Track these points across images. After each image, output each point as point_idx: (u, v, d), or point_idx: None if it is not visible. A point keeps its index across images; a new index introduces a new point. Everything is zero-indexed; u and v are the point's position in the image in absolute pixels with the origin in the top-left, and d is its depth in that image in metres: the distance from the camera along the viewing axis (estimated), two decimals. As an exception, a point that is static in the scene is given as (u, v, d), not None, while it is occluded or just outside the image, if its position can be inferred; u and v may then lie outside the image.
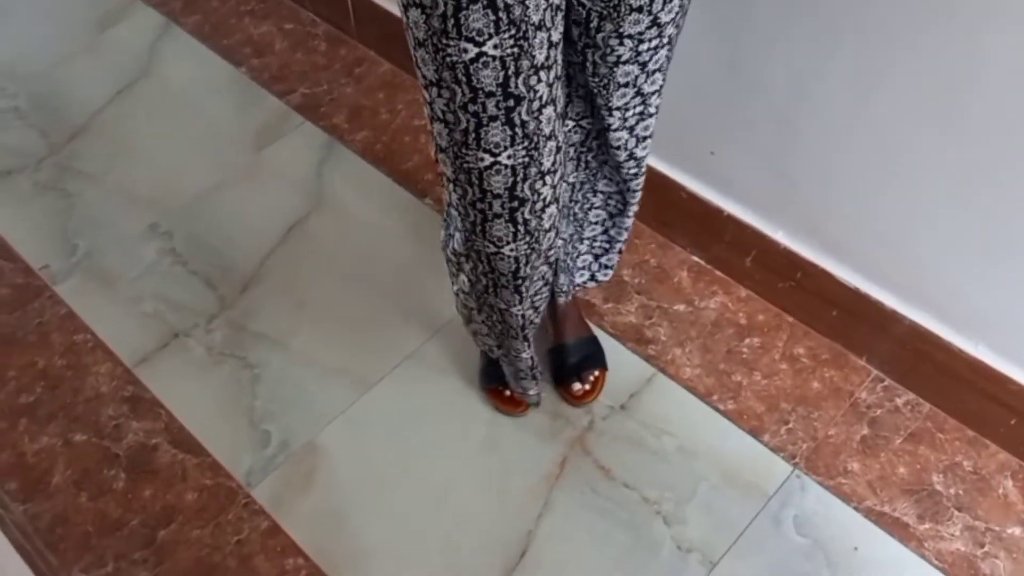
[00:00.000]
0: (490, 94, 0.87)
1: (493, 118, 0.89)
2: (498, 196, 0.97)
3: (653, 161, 1.57)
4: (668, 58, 1.05)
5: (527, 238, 1.03)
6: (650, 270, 1.62)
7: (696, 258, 1.64)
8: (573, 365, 1.45)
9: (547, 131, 0.95)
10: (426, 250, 1.66)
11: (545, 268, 1.12)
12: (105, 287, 1.63)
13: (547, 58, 0.90)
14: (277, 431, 1.45)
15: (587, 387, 1.45)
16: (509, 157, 0.93)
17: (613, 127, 1.11)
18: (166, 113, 1.91)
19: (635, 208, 1.31)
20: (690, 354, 1.52)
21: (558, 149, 0.98)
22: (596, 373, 1.46)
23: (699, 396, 1.47)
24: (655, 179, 1.58)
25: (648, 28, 0.98)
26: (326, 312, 1.59)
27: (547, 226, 1.04)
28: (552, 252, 1.11)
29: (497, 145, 0.92)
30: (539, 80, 0.90)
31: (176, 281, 1.63)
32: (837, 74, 1.22)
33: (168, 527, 1.35)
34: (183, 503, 1.38)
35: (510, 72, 0.87)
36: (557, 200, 1.03)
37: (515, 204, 0.99)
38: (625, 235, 1.36)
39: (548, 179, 0.99)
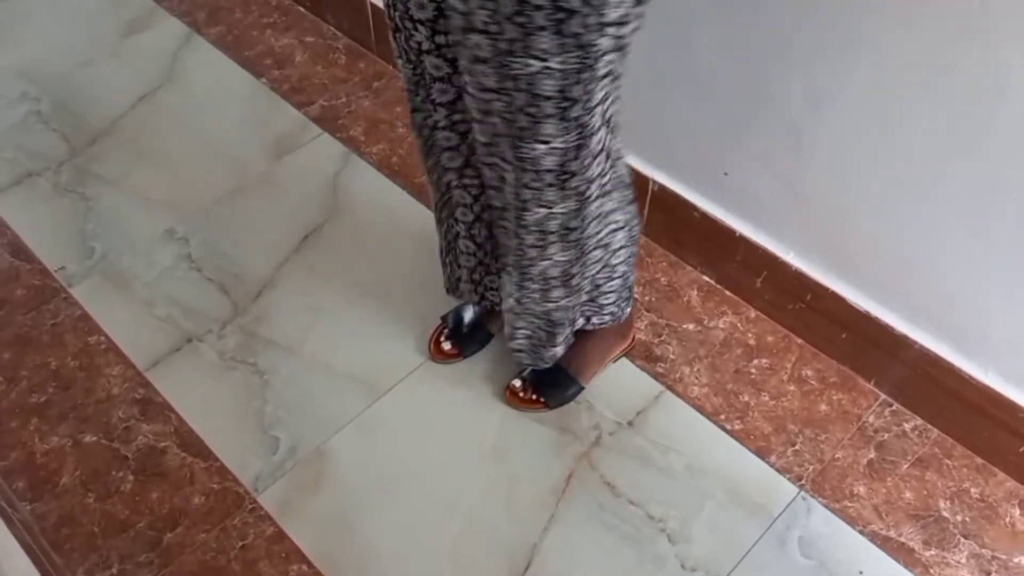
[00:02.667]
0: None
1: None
2: None
3: (666, 180, 1.58)
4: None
5: None
6: (661, 288, 1.63)
7: (707, 277, 1.64)
8: (537, 374, 1.46)
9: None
10: (439, 263, 1.67)
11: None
12: (120, 290, 1.65)
13: None
14: (286, 437, 1.45)
15: (517, 393, 1.46)
16: None
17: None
18: (186, 121, 1.93)
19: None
20: (698, 373, 1.52)
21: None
22: (536, 396, 1.46)
23: (707, 415, 1.48)
24: (668, 198, 1.59)
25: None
26: (338, 320, 1.60)
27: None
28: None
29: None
30: None
31: (191, 286, 1.65)
32: (855, 95, 1.23)
33: (174, 530, 1.36)
34: (190, 506, 1.38)
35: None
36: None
37: None
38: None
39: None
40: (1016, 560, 1.33)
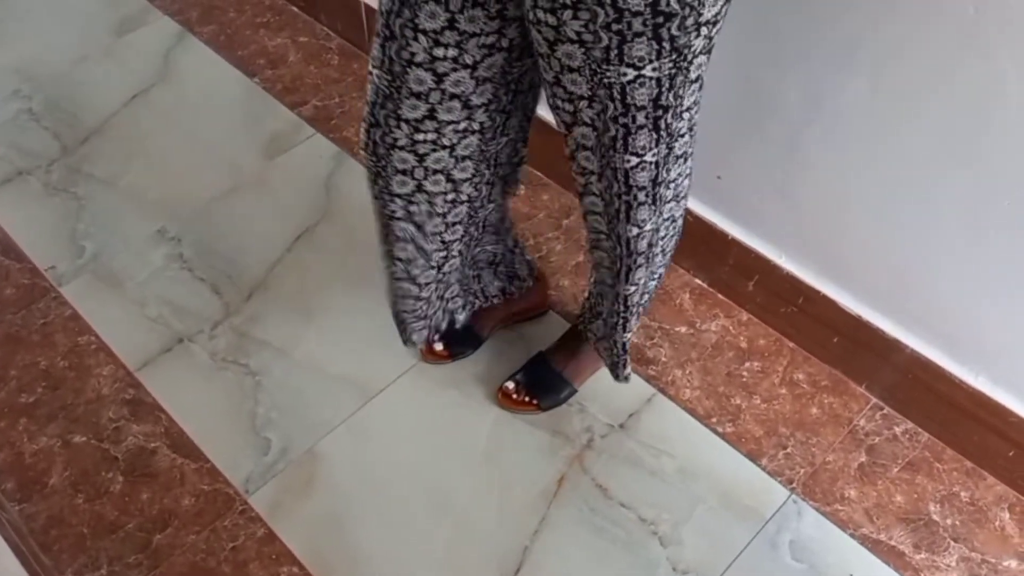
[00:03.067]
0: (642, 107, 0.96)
1: None
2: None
3: (659, 183, 1.58)
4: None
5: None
6: (653, 291, 1.63)
7: (699, 280, 1.65)
8: (530, 376, 1.46)
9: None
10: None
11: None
12: (111, 290, 1.64)
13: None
14: (277, 438, 1.45)
15: (510, 395, 1.46)
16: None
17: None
18: (179, 120, 1.92)
19: None
20: (690, 376, 1.53)
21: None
22: (529, 398, 1.46)
23: (698, 418, 1.48)
24: (661, 201, 1.59)
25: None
26: (331, 321, 1.60)
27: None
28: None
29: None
30: None
31: (182, 286, 1.64)
32: (851, 101, 1.24)
33: (164, 531, 1.35)
34: (180, 508, 1.38)
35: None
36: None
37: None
38: None
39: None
40: (1005, 563, 1.33)
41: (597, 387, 1.50)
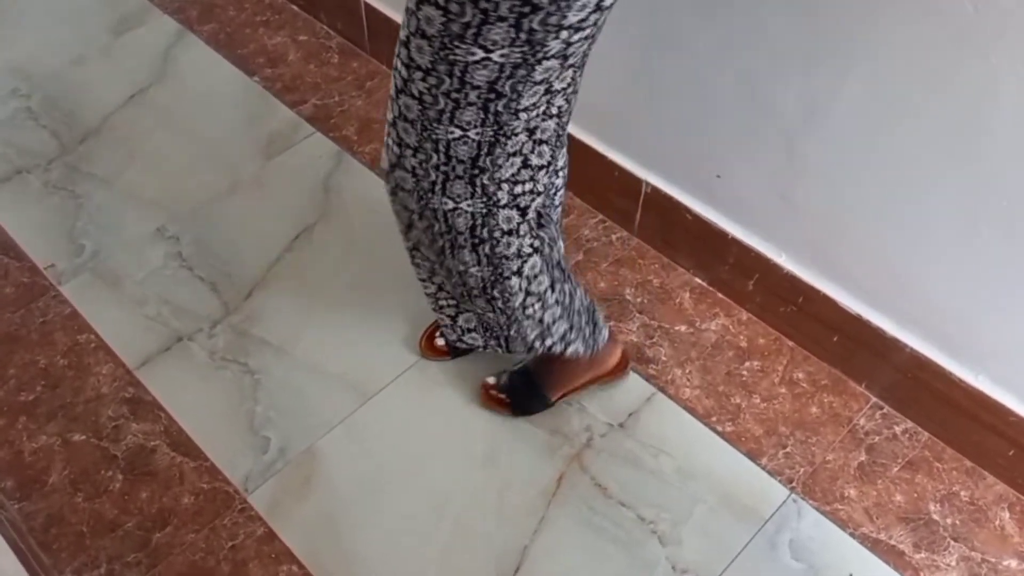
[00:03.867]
0: (477, 87, 0.95)
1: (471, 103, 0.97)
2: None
3: (659, 182, 1.58)
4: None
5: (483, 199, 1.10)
6: (653, 290, 1.63)
7: (699, 280, 1.64)
8: (511, 379, 1.46)
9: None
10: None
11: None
12: (110, 288, 1.64)
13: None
14: (276, 437, 1.45)
15: (489, 390, 1.46)
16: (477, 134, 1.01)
17: None
18: (178, 119, 1.92)
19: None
20: (690, 375, 1.52)
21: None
22: (504, 397, 1.46)
23: (698, 417, 1.48)
24: (661, 200, 1.59)
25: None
26: (330, 320, 1.59)
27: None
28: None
29: (469, 123, 1.00)
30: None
31: (181, 285, 1.64)
32: (849, 100, 1.24)
33: (163, 530, 1.35)
34: (179, 506, 1.38)
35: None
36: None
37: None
38: None
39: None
40: (1006, 563, 1.33)
41: (596, 386, 1.49)
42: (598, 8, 0.90)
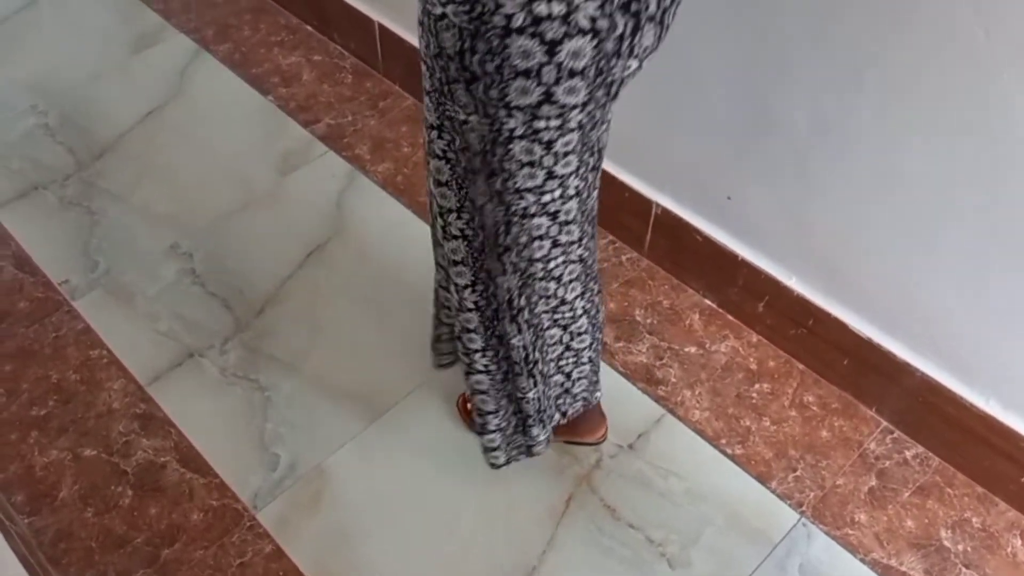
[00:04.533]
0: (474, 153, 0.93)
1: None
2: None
3: (670, 204, 1.59)
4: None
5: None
6: (663, 311, 1.63)
7: (709, 301, 1.65)
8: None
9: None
10: (441, 282, 1.68)
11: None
12: (123, 304, 1.65)
13: None
14: (286, 454, 1.45)
15: (466, 403, 1.45)
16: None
17: None
18: (193, 136, 1.94)
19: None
20: (700, 397, 1.52)
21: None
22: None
23: (708, 439, 1.47)
24: (671, 221, 1.60)
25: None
26: (341, 338, 1.60)
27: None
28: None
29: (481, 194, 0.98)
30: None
31: (194, 301, 1.65)
32: (860, 124, 1.24)
33: (172, 546, 1.35)
34: (188, 523, 1.38)
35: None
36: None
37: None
38: None
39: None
40: (1017, 591, 1.32)
41: (606, 407, 1.49)
42: (549, 100, 0.82)
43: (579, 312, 1.19)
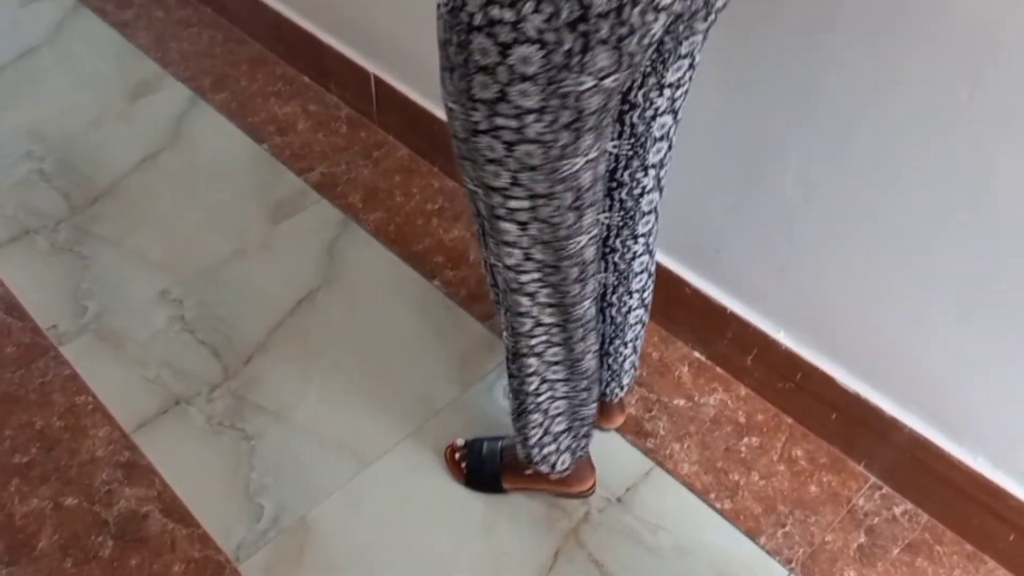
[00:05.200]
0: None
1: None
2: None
3: (660, 256, 1.60)
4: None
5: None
6: (652, 363, 1.64)
7: (697, 354, 1.65)
8: (476, 453, 1.46)
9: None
10: (432, 331, 1.68)
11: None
12: (111, 350, 1.64)
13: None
14: (271, 505, 1.43)
15: (454, 453, 1.47)
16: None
17: (648, 188, 1.18)
18: (188, 184, 1.96)
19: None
20: (688, 450, 1.52)
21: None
22: (463, 466, 1.46)
23: (696, 493, 1.46)
24: (661, 274, 1.60)
25: (687, 71, 1.05)
26: (329, 387, 1.59)
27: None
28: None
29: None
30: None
31: (183, 348, 1.65)
32: (846, 181, 1.26)
33: (152, 598, 1.33)
34: (169, 574, 1.35)
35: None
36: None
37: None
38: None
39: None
40: (1009, 652, 1.30)
41: (595, 459, 1.48)
42: (505, 99, 0.86)
43: (555, 344, 1.17)
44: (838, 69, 1.18)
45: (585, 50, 0.82)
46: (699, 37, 1.03)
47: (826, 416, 1.50)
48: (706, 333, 1.61)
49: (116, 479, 1.46)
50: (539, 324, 1.14)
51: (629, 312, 1.34)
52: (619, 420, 1.52)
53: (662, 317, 1.68)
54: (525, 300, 1.11)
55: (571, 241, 1.04)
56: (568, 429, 1.30)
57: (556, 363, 1.20)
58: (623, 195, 1.19)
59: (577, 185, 0.97)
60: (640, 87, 1.06)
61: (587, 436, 1.35)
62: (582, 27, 0.80)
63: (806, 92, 1.24)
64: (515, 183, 0.96)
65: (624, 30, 0.82)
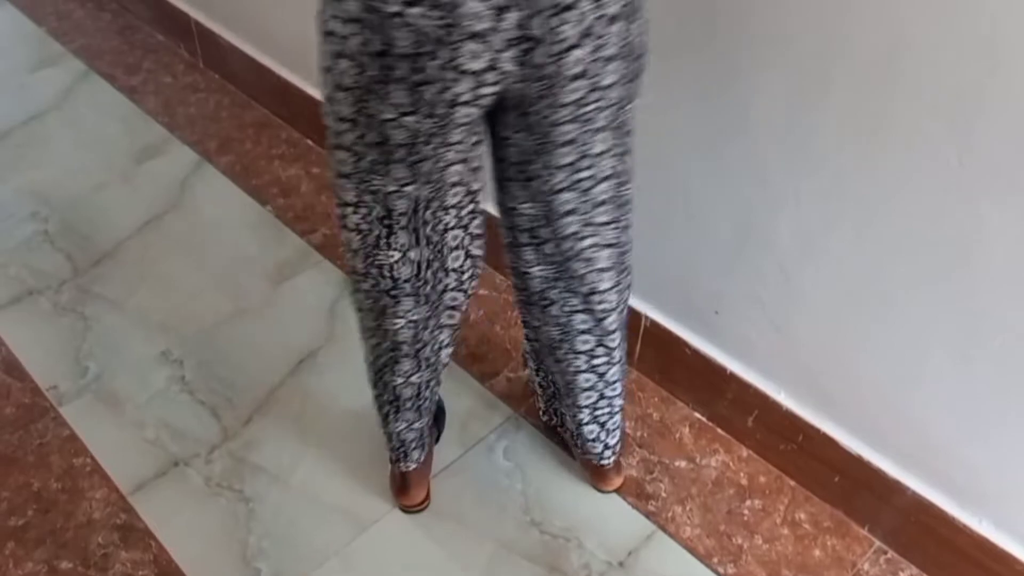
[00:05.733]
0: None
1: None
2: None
3: (658, 316, 1.61)
4: (620, 195, 1.17)
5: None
6: (652, 424, 1.63)
7: (698, 414, 1.65)
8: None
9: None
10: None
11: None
12: (110, 411, 1.64)
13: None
14: (268, 569, 1.42)
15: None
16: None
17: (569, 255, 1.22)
18: (191, 245, 1.98)
19: (619, 356, 1.35)
20: (691, 513, 1.50)
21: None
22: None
23: (699, 557, 1.45)
24: (660, 333, 1.61)
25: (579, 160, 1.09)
26: (328, 448, 1.59)
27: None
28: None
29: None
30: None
31: (182, 409, 1.65)
32: (843, 237, 1.28)
33: (145, 667, 1.30)
34: (163, 641, 1.33)
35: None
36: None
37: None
38: (619, 391, 1.40)
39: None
40: None
41: (596, 521, 1.47)
42: (338, 89, 0.97)
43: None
44: (829, 128, 1.21)
45: (386, 81, 0.92)
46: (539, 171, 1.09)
47: (829, 478, 1.49)
48: (706, 394, 1.61)
49: (112, 542, 1.45)
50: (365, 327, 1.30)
51: (577, 373, 1.35)
52: (615, 482, 1.51)
53: (662, 378, 1.68)
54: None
55: (380, 253, 1.14)
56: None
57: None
58: (429, 299, 1.25)
59: (386, 204, 1.07)
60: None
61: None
62: (386, 60, 0.90)
63: (798, 152, 1.26)
64: (337, 176, 1.09)
65: (420, 76, 0.90)
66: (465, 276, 1.25)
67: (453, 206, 1.14)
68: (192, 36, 2.45)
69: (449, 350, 1.35)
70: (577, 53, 0.93)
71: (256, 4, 2.18)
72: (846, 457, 1.44)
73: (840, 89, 1.17)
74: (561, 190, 1.11)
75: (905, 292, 1.24)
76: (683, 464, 1.57)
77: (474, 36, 0.87)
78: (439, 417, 1.55)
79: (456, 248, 1.20)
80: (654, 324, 1.62)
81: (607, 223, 1.17)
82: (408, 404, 1.36)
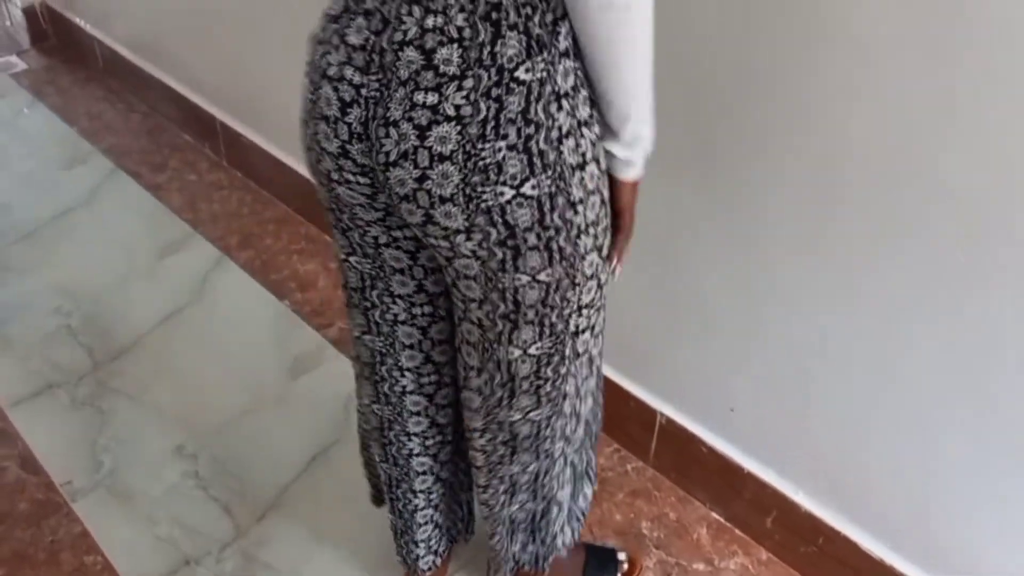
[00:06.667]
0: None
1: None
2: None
3: (674, 413, 1.61)
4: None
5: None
6: (669, 524, 1.61)
7: (716, 515, 1.62)
8: None
9: None
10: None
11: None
12: (124, 506, 1.63)
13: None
14: (276, 675, 1.38)
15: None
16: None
17: (409, 389, 1.24)
18: (209, 339, 2.00)
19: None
20: (710, 618, 1.47)
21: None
22: None
23: (720, 665, 1.40)
24: (676, 431, 1.61)
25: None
26: (340, 547, 1.57)
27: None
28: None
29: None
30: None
31: (195, 505, 1.64)
32: (859, 335, 1.28)
33: None
34: None
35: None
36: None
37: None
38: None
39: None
40: None
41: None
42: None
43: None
44: (833, 229, 1.23)
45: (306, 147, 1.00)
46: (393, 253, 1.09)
47: (851, 582, 1.45)
48: (724, 493, 1.59)
49: (119, 645, 1.42)
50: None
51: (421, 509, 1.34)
52: None
53: (679, 476, 1.66)
54: None
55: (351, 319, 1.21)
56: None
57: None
58: (385, 389, 1.23)
59: (344, 272, 1.16)
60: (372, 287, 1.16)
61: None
62: (310, 126, 0.97)
63: (812, 249, 1.28)
64: None
65: (306, 143, 1.00)
66: (424, 379, 1.21)
67: (400, 296, 1.13)
68: (217, 136, 2.54)
69: (424, 459, 1.29)
70: (397, 172, 0.89)
71: (278, 105, 2.27)
72: (868, 561, 1.41)
73: (849, 195, 1.19)
74: (403, 322, 1.16)
75: (924, 389, 1.24)
76: (701, 567, 1.54)
77: (325, 119, 0.94)
78: (465, 520, 1.48)
79: (409, 347, 1.17)
80: (669, 421, 1.62)
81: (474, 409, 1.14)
82: (388, 494, 1.34)
